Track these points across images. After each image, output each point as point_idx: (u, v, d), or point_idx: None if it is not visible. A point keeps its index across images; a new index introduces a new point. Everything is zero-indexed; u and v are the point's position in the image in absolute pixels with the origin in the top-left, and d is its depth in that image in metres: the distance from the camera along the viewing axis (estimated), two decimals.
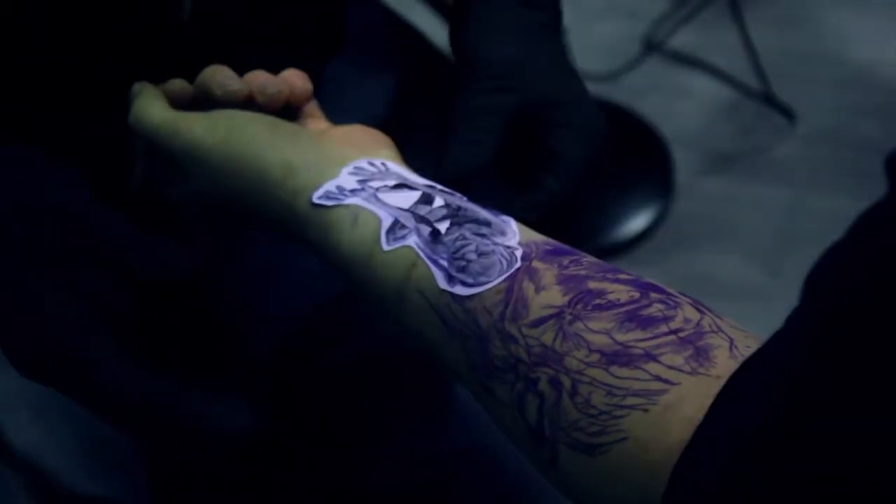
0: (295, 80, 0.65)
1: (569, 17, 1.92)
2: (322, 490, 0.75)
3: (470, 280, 0.52)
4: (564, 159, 0.66)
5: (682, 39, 2.09)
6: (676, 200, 1.84)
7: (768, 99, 1.96)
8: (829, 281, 0.38)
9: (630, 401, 0.44)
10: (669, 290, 0.49)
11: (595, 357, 0.46)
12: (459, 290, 0.52)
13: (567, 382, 0.46)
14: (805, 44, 2.09)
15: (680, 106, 2.01)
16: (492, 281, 0.51)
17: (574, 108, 0.67)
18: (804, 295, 0.39)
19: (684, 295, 0.49)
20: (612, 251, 1.75)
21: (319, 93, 0.68)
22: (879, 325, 0.34)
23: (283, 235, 0.61)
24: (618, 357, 0.45)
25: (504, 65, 0.67)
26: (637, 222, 1.79)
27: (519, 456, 0.50)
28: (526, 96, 0.67)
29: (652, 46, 2.09)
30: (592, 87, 2.10)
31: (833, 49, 2.07)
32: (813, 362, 0.37)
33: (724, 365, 0.44)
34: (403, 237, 0.55)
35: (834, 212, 1.76)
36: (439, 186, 0.59)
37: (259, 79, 0.64)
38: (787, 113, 1.94)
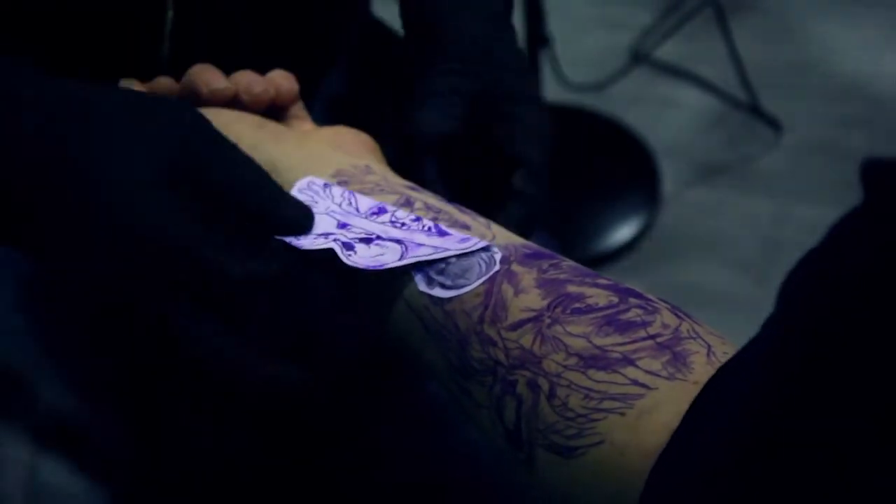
0: (281, 80, 0.65)
1: (556, 27, 1.93)
2: (324, 488, 0.75)
3: (449, 282, 0.52)
4: (533, 166, 0.66)
5: (669, 50, 2.09)
6: (663, 211, 1.84)
7: (755, 110, 1.96)
8: (802, 289, 0.38)
9: (607, 404, 0.44)
10: (648, 295, 0.49)
11: (573, 360, 0.46)
12: (438, 292, 0.52)
13: (545, 385, 0.46)
14: (792, 55, 2.10)
15: (667, 117, 2.01)
16: (471, 284, 0.51)
17: (531, 106, 0.66)
18: (778, 302, 0.39)
19: (663, 301, 0.49)
20: (598, 261, 1.75)
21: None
22: (851, 332, 0.34)
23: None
24: (596, 361, 0.45)
25: (472, 46, 0.66)
26: (623, 232, 1.79)
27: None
28: (490, 85, 0.66)
29: (639, 57, 2.10)
30: (579, 98, 2.12)
31: (820, 61, 2.08)
32: (786, 370, 0.37)
33: (702, 371, 0.44)
34: None
35: (819, 223, 1.76)
36: (419, 189, 0.58)
37: (245, 78, 0.64)
38: (774, 124, 1.95)
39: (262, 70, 0.66)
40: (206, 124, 0.55)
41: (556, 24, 1.83)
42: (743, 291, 1.68)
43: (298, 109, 0.67)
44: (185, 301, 0.52)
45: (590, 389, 0.45)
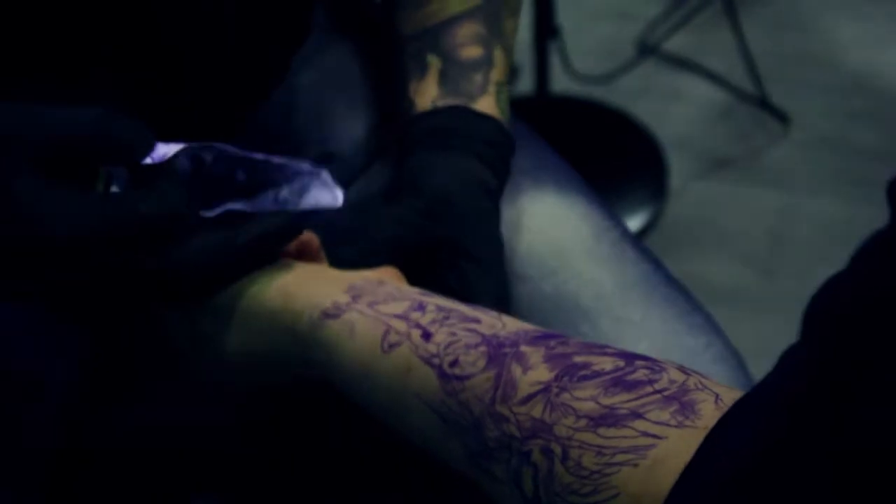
0: (303, 237, 0.67)
1: (565, 18, 1.92)
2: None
3: (460, 373, 0.53)
4: None
5: (678, 42, 2.09)
6: (670, 203, 1.84)
7: (763, 103, 1.96)
8: (827, 316, 0.38)
9: (620, 458, 0.45)
10: (655, 358, 0.50)
11: (583, 422, 0.47)
12: (452, 384, 0.53)
13: (558, 449, 0.47)
14: (800, 48, 2.10)
15: (674, 109, 2.01)
16: (482, 371, 0.52)
17: (490, 272, 0.68)
18: (803, 330, 0.39)
19: (670, 362, 0.49)
20: None
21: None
22: (880, 358, 0.34)
23: (288, 369, 0.62)
24: (604, 419, 0.46)
25: (442, 195, 0.69)
26: (630, 225, 1.79)
27: None
28: (449, 234, 0.68)
29: (647, 49, 2.09)
30: (587, 89, 2.11)
31: (828, 54, 2.08)
32: (795, 406, 0.37)
33: (711, 416, 0.44)
34: (398, 343, 0.56)
35: (827, 216, 1.77)
36: (430, 294, 0.60)
37: None
38: (782, 117, 1.94)
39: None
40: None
41: (565, 15, 1.83)
42: (749, 284, 1.68)
43: (321, 258, 0.69)
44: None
45: (601, 447, 0.45)
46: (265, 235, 0.61)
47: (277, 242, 0.63)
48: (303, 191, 0.64)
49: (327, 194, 0.65)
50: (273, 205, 0.63)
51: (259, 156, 0.62)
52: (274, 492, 0.75)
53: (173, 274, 0.58)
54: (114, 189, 0.59)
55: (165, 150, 0.58)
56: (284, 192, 0.64)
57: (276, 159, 0.63)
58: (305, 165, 0.64)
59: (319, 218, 0.65)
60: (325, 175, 0.65)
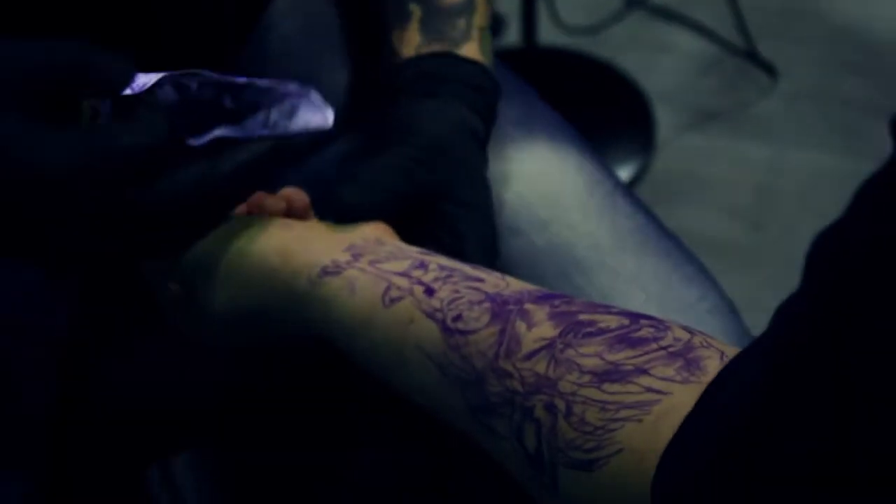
0: (292, 194, 0.67)
1: None
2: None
3: (464, 327, 0.53)
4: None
5: None
6: (657, 156, 1.83)
7: (751, 55, 1.95)
8: (827, 263, 0.37)
9: (623, 413, 0.45)
10: (660, 318, 0.50)
11: (587, 378, 0.47)
12: (455, 338, 0.53)
13: (561, 405, 0.47)
14: (789, 0, 2.09)
15: (662, 61, 2.00)
16: (486, 326, 0.52)
17: (475, 212, 0.68)
18: (803, 276, 0.39)
19: (674, 322, 0.49)
20: None
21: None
22: (881, 300, 0.34)
23: (285, 329, 0.62)
24: (609, 375, 0.46)
25: (433, 143, 0.68)
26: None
27: None
28: (441, 182, 0.68)
29: (634, 1, 2.08)
30: (574, 41, 2.09)
31: (816, 6, 2.07)
32: (811, 348, 0.37)
33: (716, 372, 0.44)
34: (400, 298, 0.56)
35: (814, 168, 1.77)
36: (432, 253, 0.60)
37: (258, 199, 0.66)
38: (770, 69, 1.94)
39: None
40: None
41: None
42: (737, 237, 1.68)
43: (311, 217, 0.68)
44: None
45: (605, 402, 0.46)
46: (251, 161, 0.61)
47: (264, 168, 0.62)
48: (292, 112, 0.63)
49: (317, 115, 0.64)
50: (262, 128, 0.62)
51: (243, 80, 0.62)
52: (266, 443, 0.75)
53: (161, 206, 0.57)
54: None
55: (146, 79, 0.57)
56: (273, 115, 0.63)
57: (262, 82, 0.62)
58: (293, 86, 0.63)
59: (308, 139, 0.65)
60: (314, 95, 0.64)
